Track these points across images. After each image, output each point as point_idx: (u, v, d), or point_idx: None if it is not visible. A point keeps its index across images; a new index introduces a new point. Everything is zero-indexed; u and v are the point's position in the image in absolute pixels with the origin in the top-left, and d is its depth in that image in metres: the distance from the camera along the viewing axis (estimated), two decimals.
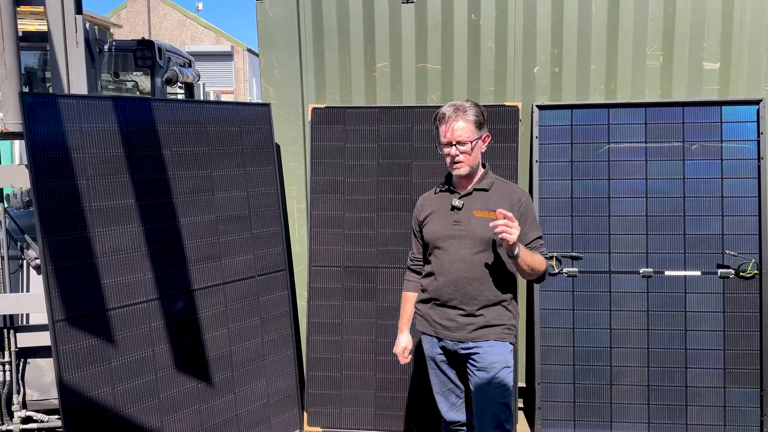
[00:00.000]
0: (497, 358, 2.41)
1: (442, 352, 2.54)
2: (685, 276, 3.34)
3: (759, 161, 3.30)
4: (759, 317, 3.29)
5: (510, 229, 2.16)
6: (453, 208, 2.46)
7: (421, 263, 2.65)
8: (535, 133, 3.46)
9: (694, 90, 3.40)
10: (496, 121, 3.44)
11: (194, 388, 3.11)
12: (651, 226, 3.37)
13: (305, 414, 3.55)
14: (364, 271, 3.54)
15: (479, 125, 2.41)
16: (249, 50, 22.86)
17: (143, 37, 6.63)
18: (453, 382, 2.59)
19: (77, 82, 2.95)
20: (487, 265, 2.39)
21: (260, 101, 3.57)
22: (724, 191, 3.33)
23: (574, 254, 3.43)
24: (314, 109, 3.55)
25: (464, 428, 2.66)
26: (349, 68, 3.58)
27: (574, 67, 3.46)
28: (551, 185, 3.45)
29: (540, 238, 2.46)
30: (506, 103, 3.45)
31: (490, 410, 2.41)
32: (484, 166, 2.53)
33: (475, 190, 2.47)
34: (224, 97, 17.36)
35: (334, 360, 3.55)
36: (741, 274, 3.30)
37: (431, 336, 2.54)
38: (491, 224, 2.20)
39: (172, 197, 3.07)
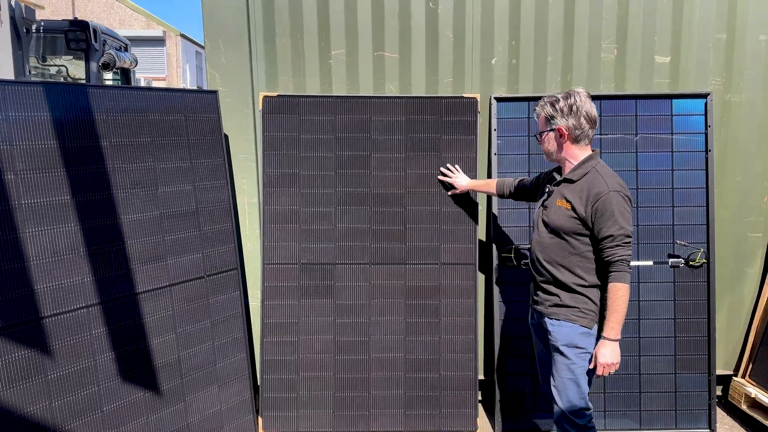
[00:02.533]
0: (565, 338, 2.49)
1: (535, 321, 2.73)
2: (638, 266, 3.41)
3: (706, 153, 3.40)
4: (707, 305, 3.40)
5: (600, 372, 2.45)
6: (546, 194, 2.61)
7: (518, 188, 2.95)
8: (494, 125, 3.42)
9: (646, 83, 3.45)
10: (456, 113, 3.37)
11: (141, 398, 2.89)
12: None
13: (260, 419, 3.38)
14: (321, 268, 3.39)
15: (548, 118, 2.52)
16: (182, 35, 21.89)
17: (75, 17, 6.02)
18: (541, 353, 2.77)
19: (3, 66, 2.63)
20: (557, 251, 2.50)
21: (206, 88, 3.33)
22: (675, 182, 3.42)
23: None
24: (266, 97, 3.35)
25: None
26: (303, 55, 3.40)
27: (531, 58, 3.44)
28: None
29: (612, 237, 2.37)
30: (465, 95, 3.39)
31: (560, 386, 2.56)
32: (591, 156, 2.51)
33: (564, 179, 2.53)
34: (156, 84, 16.54)
35: (290, 361, 3.39)
36: (690, 263, 3.40)
37: (531, 306, 2.74)
38: (590, 365, 2.50)
39: (112, 192, 2.82)
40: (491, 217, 3.45)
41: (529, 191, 2.90)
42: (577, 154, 2.52)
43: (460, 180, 3.29)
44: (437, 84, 3.45)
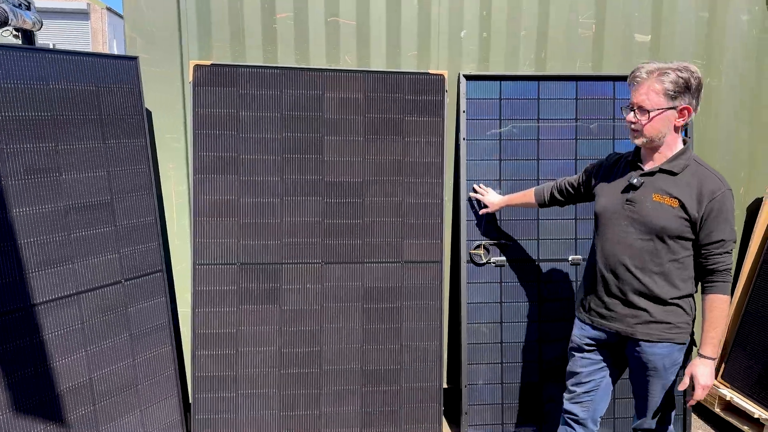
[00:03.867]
0: (661, 360, 2.16)
1: (592, 341, 2.33)
2: None
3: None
4: None
5: (699, 395, 2.10)
6: (629, 186, 2.17)
7: (563, 194, 2.58)
8: (462, 106, 3.03)
9: (625, 63, 3.16)
10: (421, 91, 2.96)
11: None
12: (581, 211, 3.11)
13: None
14: (264, 269, 2.91)
15: (674, 94, 2.03)
16: (108, 9, 20.23)
17: None
18: (599, 377, 2.37)
19: None
20: (652, 257, 2.11)
21: (124, 54, 2.75)
22: None
23: (502, 242, 3.08)
24: (197, 66, 2.81)
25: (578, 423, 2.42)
26: (242, 17, 2.88)
27: (504, 32, 3.07)
28: (479, 166, 3.06)
29: (723, 242, 2.06)
30: (431, 71, 2.98)
31: (653, 405, 2.26)
32: (685, 143, 2.14)
33: (661, 170, 2.12)
34: None
35: (227, 378, 2.91)
36: None
37: (584, 323, 2.35)
38: (680, 386, 2.16)
39: (1, 180, 2.23)
40: (459, 209, 3.08)
41: (579, 192, 2.51)
42: (677, 141, 2.15)
43: (491, 197, 2.93)
44: (399, 57, 3.02)
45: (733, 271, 2.13)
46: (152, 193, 2.74)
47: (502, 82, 3.06)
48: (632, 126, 2.12)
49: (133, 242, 2.66)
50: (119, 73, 2.62)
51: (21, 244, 2.28)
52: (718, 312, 2.07)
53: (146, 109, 2.77)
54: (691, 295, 2.16)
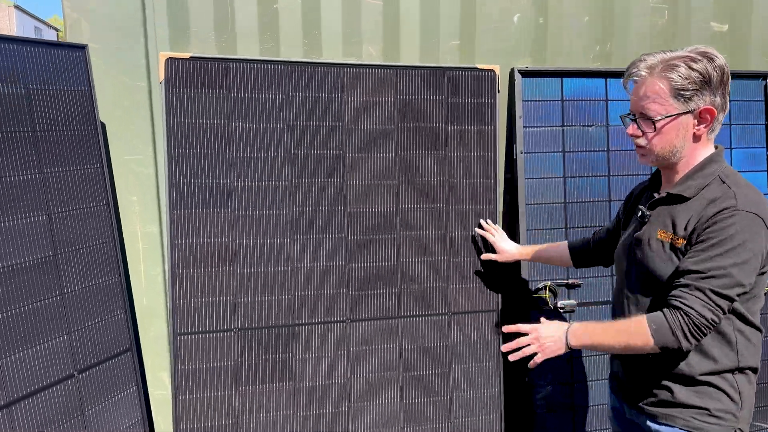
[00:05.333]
0: None
1: (611, 409, 1.77)
2: None
3: None
4: None
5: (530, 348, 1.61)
6: (639, 219, 1.60)
7: (596, 245, 1.95)
8: (518, 110, 2.38)
9: None
10: (467, 92, 2.29)
11: None
12: None
13: None
14: (272, 334, 2.15)
15: (687, 93, 1.44)
16: (17, 7, 18.41)
17: None
18: None
19: None
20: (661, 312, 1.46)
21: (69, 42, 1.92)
22: None
23: (570, 281, 2.45)
24: (170, 60, 2.02)
25: None
26: None
27: (564, 17, 2.45)
28: (539, 187, 2.42)
29: (703, 274, 1.39)
30: (479, 66, 2.31)
31: None
32: (714, 159, 1.51)
33: (669, 195, 1.53)
34: None
35: None
36: None
37: (610, 384, 1.77)
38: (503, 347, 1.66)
39: None
40: (519, 242, 2.42)
41: (617, 235, 1.82)
42: (701, 152, 1.53)
43: (504, 244, 2.23)
44: (437, 48, 2.34)
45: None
46: (114, 240, 1.92)
47: (564, 78, 2.43)
48: (636, 141, 1.54)
49: (89, 314, 1.83)
50: (61, 69, 1.79)
51: None
52: (628, 329, 1.48)
53: (100, 122, 1.95)
54: (734, 370, 1.50)
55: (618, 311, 1.64)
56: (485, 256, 2.28)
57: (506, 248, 2.22)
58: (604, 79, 2.47)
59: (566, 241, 2.07)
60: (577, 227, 2.46)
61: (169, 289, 2.05)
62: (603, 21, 2.49)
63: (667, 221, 1.51)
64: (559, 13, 2.43)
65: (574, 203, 2.46)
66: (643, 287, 1.55)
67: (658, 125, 1.47)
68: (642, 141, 1.51)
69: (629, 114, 1.53)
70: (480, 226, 2.30)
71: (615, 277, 1.72)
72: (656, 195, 1.57)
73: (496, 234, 2.26)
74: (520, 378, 2.44)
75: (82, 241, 1.79)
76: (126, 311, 1.92)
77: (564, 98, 2.44)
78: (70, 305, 1.75)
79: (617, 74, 2.47)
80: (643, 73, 1.48)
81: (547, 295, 2.41)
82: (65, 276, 1.74)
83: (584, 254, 1.99)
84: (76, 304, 1.77)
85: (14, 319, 1.62)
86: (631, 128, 1.52)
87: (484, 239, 2.30)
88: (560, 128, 2.43)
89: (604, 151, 2.49)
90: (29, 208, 1.67)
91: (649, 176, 1.72)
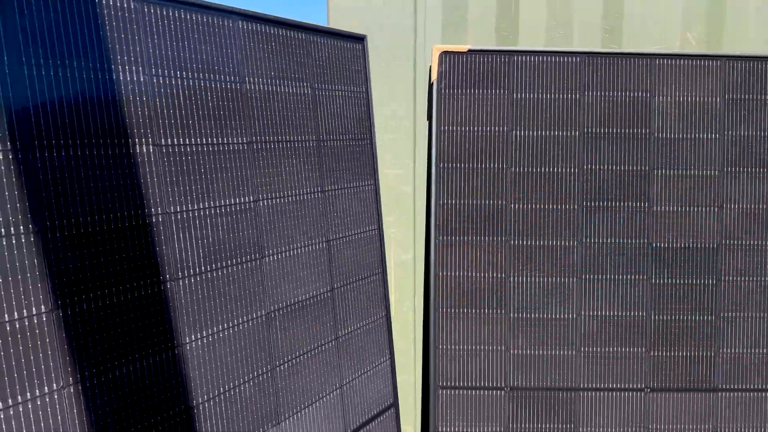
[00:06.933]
0: None
1: None
2: None
3: None
4: None
5: None
6: None
7: None
8: None
9: None
10: None
11: None
12: None
13: None
14: (551, 397, 1.70)
15: None
16: None
17: None
18: None
19: None
20: None
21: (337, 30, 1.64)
22: None
23: None
24: (445, 55, 1.67)
25: None
26: None
27: None
28: None
29: None
30: None
31: None
32: None
33: None
34: None
35: None
36: None
37: None
38: None
39: None
40: None
41: None
42: None
43: None
44: None
45: None
46: (384, 271, 1.59)
47: None
48: None
49: (361, 362, 1.50)
50: (340, 64, 1.50)
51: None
52: None
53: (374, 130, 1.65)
54: None
55: None
56: None
57: None
58: None
59: None
60: None
61: (432, 332, 1.68)
62: None
63: None
64: None
65: None
66: None
67: None
68: None
69: None
70: None
71: None
72: None
73: None
74: None
75: (357, 273, 1.47)
76: (392, 357, 1.58)
77: None
78: (344, 351, 1.43)
79: None
80: None
81: None
82: (339, 316, 1.42)
83: None
84: (350, 351, 1.45)
85: (293, 368, 1.32)
86: None
87: None
88: None
89: None
90: (312, 233, 1.36)
91: None
